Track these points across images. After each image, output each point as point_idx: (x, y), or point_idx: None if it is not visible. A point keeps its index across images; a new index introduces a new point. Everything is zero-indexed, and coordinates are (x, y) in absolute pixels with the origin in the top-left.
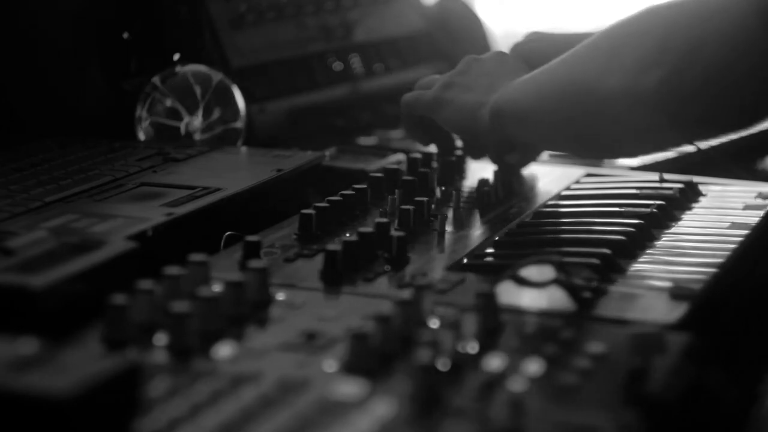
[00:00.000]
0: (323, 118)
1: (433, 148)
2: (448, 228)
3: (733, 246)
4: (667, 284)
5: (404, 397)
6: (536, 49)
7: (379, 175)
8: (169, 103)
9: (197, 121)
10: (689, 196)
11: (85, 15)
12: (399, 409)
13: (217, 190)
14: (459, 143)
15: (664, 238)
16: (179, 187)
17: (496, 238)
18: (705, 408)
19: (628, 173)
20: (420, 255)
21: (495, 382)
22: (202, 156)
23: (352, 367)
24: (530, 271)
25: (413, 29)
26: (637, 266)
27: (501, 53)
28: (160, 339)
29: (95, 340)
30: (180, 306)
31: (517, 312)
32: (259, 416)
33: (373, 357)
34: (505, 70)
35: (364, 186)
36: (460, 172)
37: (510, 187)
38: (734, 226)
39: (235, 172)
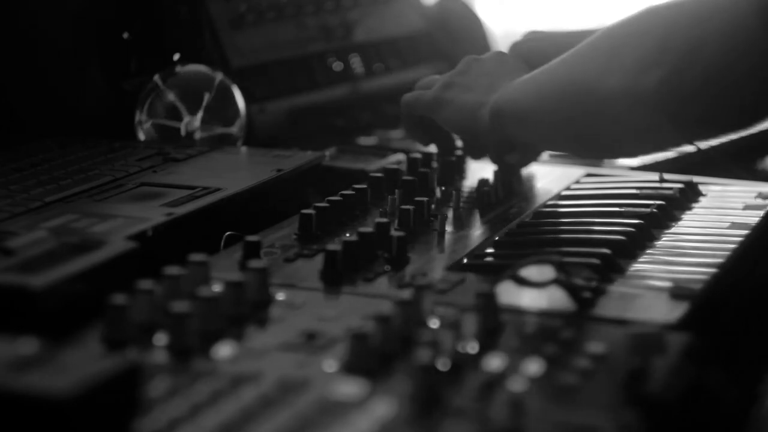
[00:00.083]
0: (323, 118)
1: (433, 148)
2: (448, 228)
3: (733, 246)
4: (667, 284)
5: (404, 397)
6: (535, 49)
7: (379, 175)
8: (169, 102)
9: (197, 121)
10: (689, 196)
11: (85, 15)
12: (399, 409)
13: (217, 190)
14: (459, 143)
15: (664, 238)
16: (179, 187)
17: (496, 238)
18: (705, 408)
19: (628, 173)
20: (420, 255)
21: (495, 382)
22: (202, 156)
23: (352, 367)
24: (530, 271)
25: (413, 29)
26: (637, 266)
27: (501, 53)
28: (160, 339)
29: (95, 340)
30: (180, 306)
31: (517, 312)
32: (259, 416)
33: (373, 357)
34: (505, 70)
35: (364, 186)
36: (460, 172)
37: (510, 187)
38: (734, 226)
39: (235, 172)
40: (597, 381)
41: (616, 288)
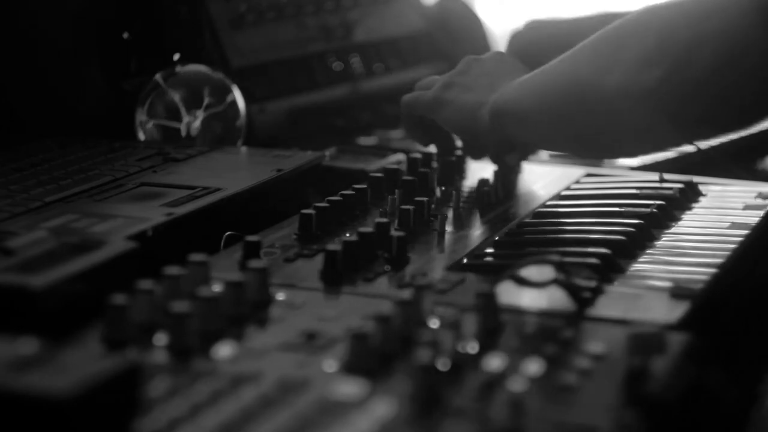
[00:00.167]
0: (323, 118)
1: (433, 149)
2: (448, 228)
3: (733, 246)
4: (667, 284)
5: (404, 397)
6: (536, 38)
7: (379, 175)
8: (169, 102)
9: (197, 121)
10: (689, 196)
11: (85, 15)
12: (399, 409)
13: (217, 190)
14: (459, 143)
15: (664, 238)
16: (179, 187)
17: (496, 238)
18: (705, 408)
19: (628, 173)
20: (420, 255)
21: (495, 382)
22: (202, 156)
23: (352, 367)
24: (530, 271)
25: (413, 29)
26: (637, 266)
27: (501, 53)
28: (160, 339)
29: (95, 340)
30: (180, 306)
31: (517, 312)
32: (259, 416)
33: (373, 357)
34: (505, 70)
35: (364, 186)
36: (460, 172)
37: (510, 187)
38: (734, 226)
39: (235, 172)
40: (597, 381)
41: (616, 288)
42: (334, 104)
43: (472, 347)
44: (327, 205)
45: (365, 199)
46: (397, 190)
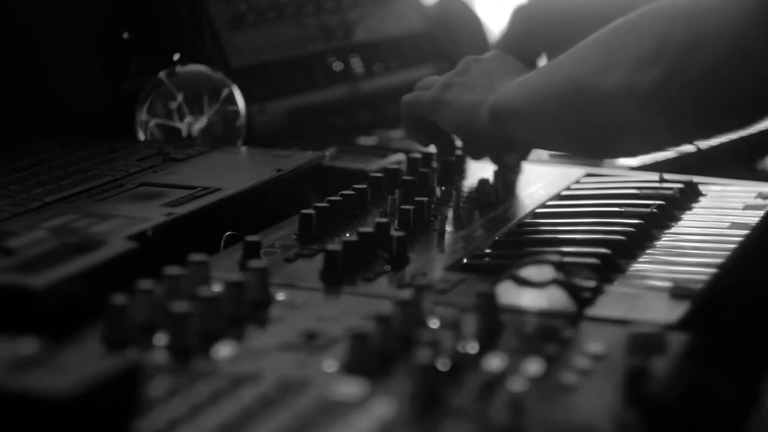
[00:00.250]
0: (323, 118)
1: (433, 149)
2: (448, 228)
3: (733, 246)
4: (667, 284)
5: (404, 397)
6: (538, 13)
7: (379, 175)
8: (170, 102)
9: (197, 121)
10: (689, 196)
11: (85, 15)
12: (399, 409)
13: (217, 190)
14: (459, 143)
15: (664, 238)
16: (179, 187)
17: (496, 238)
18: (705, 408)
19: (628, 173)
20: (420, 255)
21: (495, 382)
22: (202, 156)
23: (352, 367)
24: (530, 271)
25: (413, 29)
26: (637, 266)
27: (500, 53)
28: (160, 339)
29: (95, 340)
30: (180, 306)
31: (517, 312)
32: (259, 416)
33: (373, 357)
34: (505, 70)
35: (364, 186)
36: (460, 172)
37: (510, 187)
38: (734, 226)
39: (235, 172)
40: (597, 381)
41: (616, 288)
42: (334, 104)
43: (472, 347)
44: (327, 205)
45: (365, 199)
46: (397, 190)
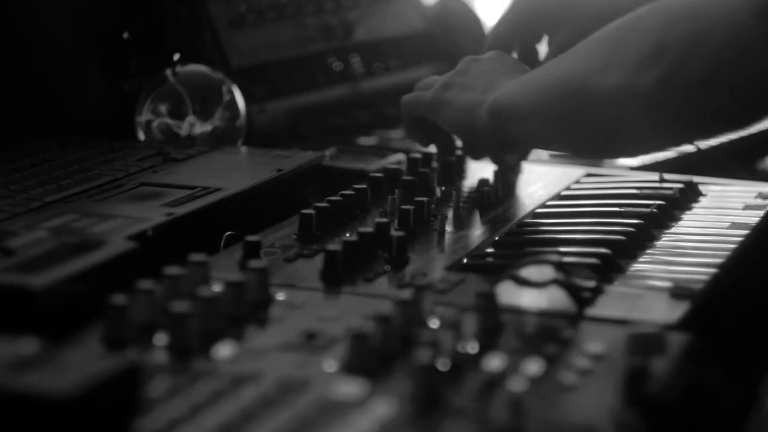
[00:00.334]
0: (323, 118)
1: (433, 149)
2: (448, 228)
3: (733, 246)
4: (667, 284)
5: (404, 397)
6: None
7: (379, 175)
8: (170, 102)
9: (197, 121)
10: (689, 196)
11: (85, 15)
12: (399, 409)
13: (217, 190)
14: (459, 143)
15: (664, 238)
16: (179, 187)
17: (496, 238)
18: (705, 408)
19: (628, 173)
20: (420, 255)
21: (495, 382)
22: (202, 156)
23: (352, 367)
24: (530, 271)
25: (413, 29)
26: (637, 266)
27: (500, 53)
28: (160, 339)
29: (95, 340)
30: (180, 306)
31: (517, 312)
32: (259, 416)
33: (373, 357)
34: (504, 70)
35: (364, 186)
36: (460, 172)
37: (510, 187)
38: (734, 226)
39: (235, 172)
40: (597, 381)
41: (616, 288)
42: (334, 104)
43: (472, 347)
44: (327, 205)
45: (365, 199)
46: (397, 190)
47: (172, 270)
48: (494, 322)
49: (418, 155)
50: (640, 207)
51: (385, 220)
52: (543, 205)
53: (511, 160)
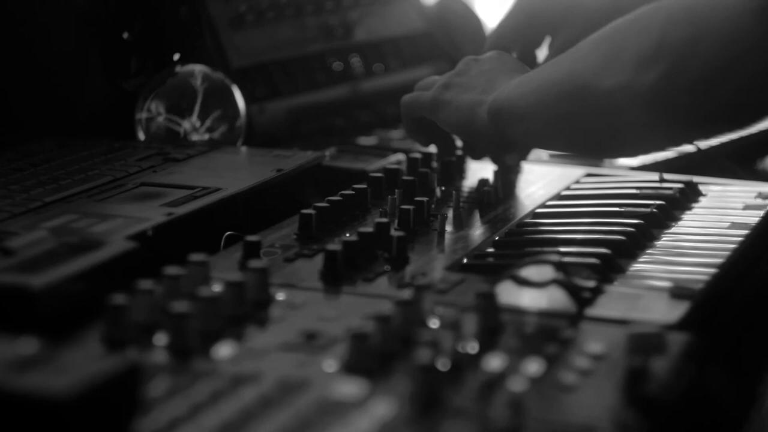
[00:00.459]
0: (323, 118)
1: (433, 149)
2: (448, 228)
3: (733, 246)
4: (667, 284)
5: (404, 397)
6: None
7: (379, 175)
8: (169, 102)
9: (197, 121)
10: (689, 196)
11: (85, 15)
12: (399, 409)
13: (217, 190)
14: (459, 143)
15: (664, 238)
16: (179, 187)
17: (496, 238)
18: (705, 408)
19: (628, 173)
20: (420, 255)
21: (495, 382)
22: (202, 156)
23: (352, 367)
24: (530, 271)
25: (413, 29)
26: (637, 266)
27: (500, 53)
28: (160, 339)
29: (95, 340)
30: (180, 306)
31: (517, 312)
32: (259, 416)
33: (373, 357)
34: (504, 70)
35: (364, 186)
36: (460, 172)
37: (510, 187)
38: (734, 226)
39: (235, 172)
40: (597, 381)
41: (616, 288)
42: (334, 104)
43: (472, 347)
44: (327, 205)
45: (365, 199)
46: (397, 190)
47: (172, 270)
48: (494, 322)
49: (418, 155)
50: (640, 207)
51: (385, 220)
52: (543, 205)
53: (511, 160)
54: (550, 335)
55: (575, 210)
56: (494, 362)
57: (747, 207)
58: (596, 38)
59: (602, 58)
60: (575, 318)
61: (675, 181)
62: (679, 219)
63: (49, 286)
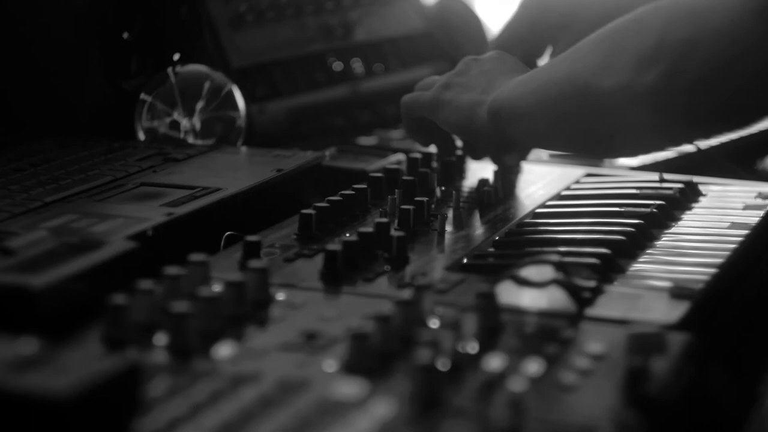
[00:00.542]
0: (323, 118)
1: (433, 149)
2: (448, 228)
3: (733, 246)
4: (667, 284)
5: (404, 397)
6: (546, 2)
7: (379, 175)
8: (170, 102)
9: (197, 121)
10: (689, 196)
11: (85, 15)
12: (399, 409)
13: (217, 190)
14: (459, 143)
15: (664, 238)
16: (179, 187)
17: (496, 238)
18: (705, 408)
19: (628, 173)
20: (420, 255)
21: (495, 382)
22: (202, 156)
23: (352, 367)
24: (530, 271)
25: (413, 29)
26: (637, 266)
27: (500, 53)
28: (160, 339)
29: (95, 340)
30: (180, 306)
31: (517, 312)
32: (259, 416)
33: (373, 357)
34: (504, 70)
35: (364, 186)
36: (460, 172)
37: (510, 187)
38: (734, 226)
39: (235, 172)
40: (597, 381)
41: (616, 288)
42: (334, 104)
43: (472, 347)
44: (327, 205)
45: (365, 199)
46: (397, 190)
47: (172, 270)
48: (494, 322)
49: (418, 155)
50: (640, 207)
51: (385, 220)
52: (543, 205)
53: (511, 160)
54: (550, 335)
55: (575, 210)
56: (494, 362)
57: (747, 207)
58: (596, 38)
59: (602, 58)
60: (575, 318)
61: (675, 181)
62: (679, 219)
63: (49, 286)
